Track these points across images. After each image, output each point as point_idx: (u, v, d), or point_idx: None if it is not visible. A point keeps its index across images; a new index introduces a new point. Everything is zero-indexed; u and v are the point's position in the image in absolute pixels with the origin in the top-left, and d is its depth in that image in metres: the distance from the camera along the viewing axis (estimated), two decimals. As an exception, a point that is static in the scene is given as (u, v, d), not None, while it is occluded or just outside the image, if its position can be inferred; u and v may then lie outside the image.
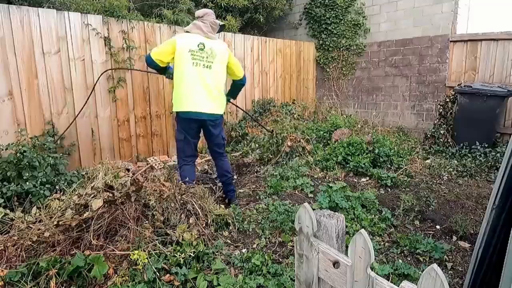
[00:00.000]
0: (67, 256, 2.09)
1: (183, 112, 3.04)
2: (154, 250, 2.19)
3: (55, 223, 2.19)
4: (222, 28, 3.32)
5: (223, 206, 2.97)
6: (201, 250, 2.29)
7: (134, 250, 2.12)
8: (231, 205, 3.17)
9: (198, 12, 3.20)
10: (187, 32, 3.14)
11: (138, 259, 2.02)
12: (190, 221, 2.51)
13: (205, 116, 3.07)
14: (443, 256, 2.44)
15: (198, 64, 3.00)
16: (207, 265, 2.27)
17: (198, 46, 3.01)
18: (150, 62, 3.05)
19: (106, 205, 2.25)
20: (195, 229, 2.42)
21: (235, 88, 3.56)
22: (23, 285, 1.92)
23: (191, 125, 3.10)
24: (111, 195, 2.27)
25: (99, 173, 2.50)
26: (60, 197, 2.41)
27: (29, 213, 2.35)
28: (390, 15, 6.17)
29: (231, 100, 3.69)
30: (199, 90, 3.02)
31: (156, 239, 2.27)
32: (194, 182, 3.02)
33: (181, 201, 2.57)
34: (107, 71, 4.02)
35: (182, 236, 2.29)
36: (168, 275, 2.09)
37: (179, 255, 2.18)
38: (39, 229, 2.16)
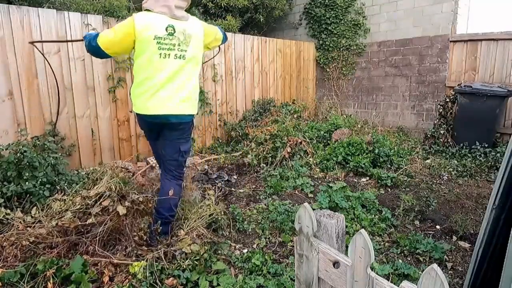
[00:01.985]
0: (64, 259, 2.09)
1: (146, 115, 2.37)
2: (157, 261, 2.15)
3: (55, 224, 2.18)
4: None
5: (222, 204, 2.97)
6: (202, 254, 2.27)
7: (134, 262, 2.09)
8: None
9: None
10: (147, 10, 2.33)
11: (137, 271, 1.99)
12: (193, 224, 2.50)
13: (173, 118, 2.40)
14: (443, 256, 2.44)
15: (167, 55, 2.30)
16: (208, 266, 2.27)
17: (166, 30, 2.28)
18: (93, 51, 2.34)
19: (112, 213, 2.23)
20: (198, 240, 2.37)
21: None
22: (22, 286, 1.92)
23: (153, 128, 2.51)
24: (130, 204, 2.23)
25: (103, 176, 2.48)
26: (61, 198, 2.40)
27: (29, 213, 2.35)
28: (390, 15, 6.17)
29: None
30: (167, 89, 2.34)
31: (157, 252, 2.22)
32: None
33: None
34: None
35: (190, 249, 2.22)
36: (171, 278, 2.07)
37: (183, 262, 2.15)
38: (39, 230, 2.16)
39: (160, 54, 2.28)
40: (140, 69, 2.32)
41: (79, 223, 2.17)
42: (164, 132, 2.48)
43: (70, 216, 2.20)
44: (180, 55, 2.36)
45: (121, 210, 2.16)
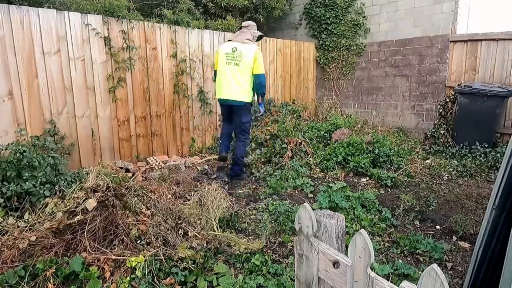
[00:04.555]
0: (63, 258, 2.08)
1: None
2: (156, 256, 2.14)
3: (47, 227, 2.17)
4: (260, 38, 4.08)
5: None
6: (198, 259, 2.25)
7: (130, 257, 2.08)
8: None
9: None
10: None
11: (136, 265, 1.99)
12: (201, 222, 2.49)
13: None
14: (443, 256, 2.44)
15: (229, 63, 3.80)
16: (209, 267, 2.26)
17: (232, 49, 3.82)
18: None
19: (98, 206, 2.22)
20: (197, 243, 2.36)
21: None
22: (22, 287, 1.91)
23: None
24: (102, 195, 2.25)
25: (91, 174, 2.49)
26: (57, 202, 2.40)
27: (22, 217, 2.34)
28: (390, 15, 6.17)
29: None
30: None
31: (155, 252, 2.21)
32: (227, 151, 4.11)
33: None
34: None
35: (186, 255, 2.23)
36: (169, 278, 2.07)
37: (180, 264, 2.15)
38: (32, 238, 2.14)
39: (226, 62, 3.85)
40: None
41: (67, 221, 2.16)
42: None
43: (61, 216, 2.19)
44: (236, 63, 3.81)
45: (92, 203, 2.16)
